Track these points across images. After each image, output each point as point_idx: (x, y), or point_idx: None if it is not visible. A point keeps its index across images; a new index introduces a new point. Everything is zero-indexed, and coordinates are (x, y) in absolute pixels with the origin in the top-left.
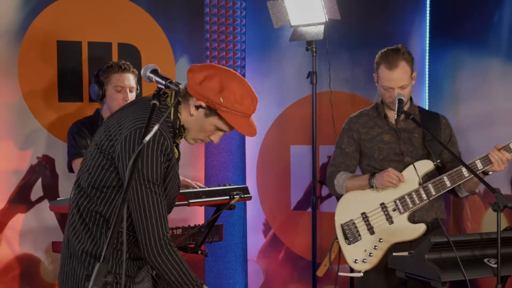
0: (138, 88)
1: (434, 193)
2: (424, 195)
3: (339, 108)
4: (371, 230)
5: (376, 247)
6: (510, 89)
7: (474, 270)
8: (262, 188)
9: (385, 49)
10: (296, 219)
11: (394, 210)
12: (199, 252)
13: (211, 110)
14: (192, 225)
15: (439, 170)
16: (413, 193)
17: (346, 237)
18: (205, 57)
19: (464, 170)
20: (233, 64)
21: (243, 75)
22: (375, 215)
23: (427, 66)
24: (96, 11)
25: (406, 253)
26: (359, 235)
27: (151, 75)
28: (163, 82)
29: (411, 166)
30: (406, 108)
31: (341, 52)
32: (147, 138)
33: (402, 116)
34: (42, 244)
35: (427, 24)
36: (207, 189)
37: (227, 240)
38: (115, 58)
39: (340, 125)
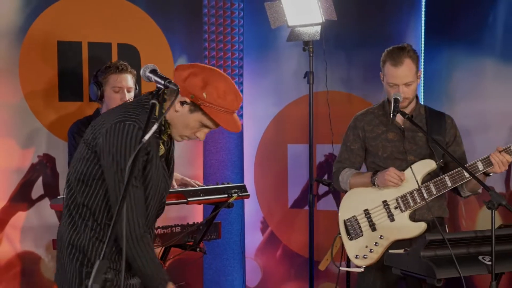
0: (137, 88)
1: (435, 192)
2: (425, 194)
3: (335, 108)
4: (372, 227)
5: (376, 244)
6: (504, 88)
7: (469, 267)
8: (260, 187)
9: (391, 47)
10: (293, 217)
11: (395, 208)
12: (198, 249)
13: (195, 106)
14: (190, 223)
15: (443, 169)
16: (415, 192)
17: (348, 233)
18: (204, 57)
19: (465, 170)
20: (231, 64)
21: (241, 75)
22: (377, 212)
23: (422, 66)
24: (96, 12)
25: (401, 251)
26: (361, 231)
27: (150, 75)
28: (162, 82)
29: (414, 165)
30: (411, 107)
31: (338, 52)
32: (146, 137)
33: (403, 117)
34: (42, 242)
35: (423, 24)
36: (206, 187)
37: (225, 238)
38: (114, 58)
39: (337, 124)
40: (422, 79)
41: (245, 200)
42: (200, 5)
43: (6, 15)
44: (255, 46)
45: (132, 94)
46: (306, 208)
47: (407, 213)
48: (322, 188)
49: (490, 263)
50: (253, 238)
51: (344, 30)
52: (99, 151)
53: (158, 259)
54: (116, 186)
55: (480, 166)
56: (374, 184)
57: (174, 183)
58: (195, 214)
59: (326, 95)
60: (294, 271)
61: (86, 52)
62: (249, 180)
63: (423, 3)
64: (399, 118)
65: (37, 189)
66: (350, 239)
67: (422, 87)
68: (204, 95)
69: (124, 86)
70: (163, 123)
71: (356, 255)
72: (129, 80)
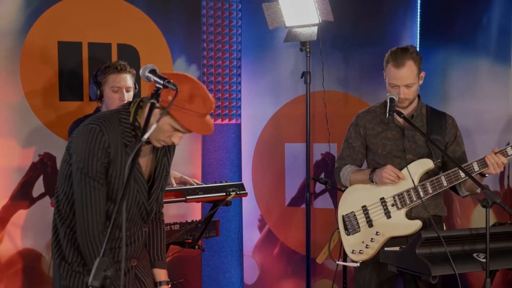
0: (137, 87)
1: (431, 191)
2: (421, 193)
3: (332, 107)
4: (369, 223)
5: (373, 240)
6: (498, 88)
7: (464, 265)
8: (257, 185)
9: (395, 48)
10: (290, 215)
11: (392, 205)
12: (196, 247)
13: (164, 110)
14: (189, 220)
15: (443, 168)
16: (411, 190)
17: (346, 228)
18: (202, 58)
19: (461, 171)
20: (229, 64)
21: (239, 75)
22: (375, 209)
23: None
24: (96, 13)
25: (397, 248)
26: (358, 227)
27: (150, 75)
28: (161, 82)
29: (412, 164)
30: (412, 106)
31: (334, 53)
32: (146, 136)
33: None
34: (43, 239)
35: (418, 25)
36: (204, 186)
37: (223, 236)
38: (114, 58)
39: (334, 124)
40: None
41: (243, 198)
42: (198, 7)
43: (7, 15)
44: (253, 46)
45: (131, 93)
46: (303, 206)
47: (403, 210)
48: (319, 187)
49: (484, 260)
50: (251, 236)
51: (340, 31)
52: (70, 152)
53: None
54: (76, 184)
55: (476, 167)
56: (372, 181)
57: (173, 181)
58: (194, 212)
59: (323, 95)
60: (291, 268)
61: (86, 52)
62: (247, 179)
63: (419, 5)
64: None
65: (38, 187)
66: (348, 234)
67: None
68: (169, 98)
69: (123, 86)
70: (139, 127)
71: (353, 250)
72: (128, 80)
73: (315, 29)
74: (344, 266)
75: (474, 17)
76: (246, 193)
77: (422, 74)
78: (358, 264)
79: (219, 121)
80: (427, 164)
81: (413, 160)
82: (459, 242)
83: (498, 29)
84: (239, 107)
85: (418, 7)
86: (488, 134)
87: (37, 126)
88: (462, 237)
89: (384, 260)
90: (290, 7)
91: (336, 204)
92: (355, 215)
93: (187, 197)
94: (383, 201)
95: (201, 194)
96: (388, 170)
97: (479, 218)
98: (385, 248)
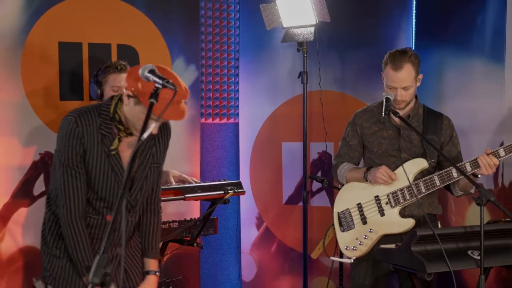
0: None
1: (424, 190)
2: (414, 192)
3: (329, 107)
4: (364, 220)
5: (366, 237)
6: (492, 88)
7: (459, 262)
8: (255, 183)
9: (394, 50)
10: (287, 213)
11: (386, 203)
12: (195, 244)
13: (137, 98)
14: (188, 218)
15: (438, 168)
16: (405, 189)
17: (341, 225)
18: (201, 58)
19: (453, 171)
20: (227, 64)
21: (237, 75)
22: (369, 207)
23: None
24: (96, 13)
25: (393, 245)
26: (353, 224)
27: (149, 75)
28: (160, 82)
29: (406, 163)
30: (409, 107)
31: (331, 53)
32: (145, 135)
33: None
34: None
35: (413, 26)
36: (203, 184)
37: (221, 233)
38: (114, 58)
39: (330, 123)
40: None
41: (241, 196)
42: (197, 8)
43: (8, 16)
44: (251, 47)
45: None
46: (300, 204)
47: (397, 209)
48: (316, 185)
49: (479, 257)
50: (249, 234)
51: (337, 32)
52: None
53: (89, 246)
54: (57, 172)
55: (469, 168)
56: (366, 180)
57: (172, 180)
58: (193, 210)
59: (319, 94)
60: (288, 265)
61: (86, 53)
62: (244, 177)
63: (414, 6)
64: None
65: (39, 185)
66: (342, 231)
67: None
68: (139, 85)
69: (123, 86)
70: (117, 120)
71: (347, 247)
72: None
73: (312, 29)
74: (341, 263)
75: (468, 18)
76: (244, 192)
77: (420, 76)
78: (352, 260)
79: (217, 120)
80: (421, 163)
81: (408, 159)
82: (454, 240)
83: (492, 30)
84: (237, 106)
85: (414, 9)
86: (482, 134)
87: (38, 125)
88: (457, 234)
89: (380, 257)
90: (287, 8)
91: (332, 202)
92: (350, 212)
93: (186, 195)
94: (377, 199)
95: (199, 193)
96: (382, 171)
97: (473, 216)
98: (381, 246)
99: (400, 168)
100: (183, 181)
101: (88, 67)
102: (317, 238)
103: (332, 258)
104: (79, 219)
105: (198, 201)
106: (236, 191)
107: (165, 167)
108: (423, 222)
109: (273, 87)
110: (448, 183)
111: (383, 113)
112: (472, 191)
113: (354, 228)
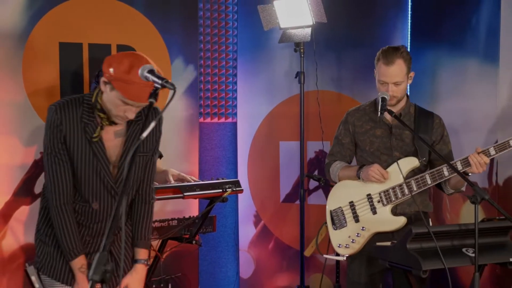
0: None
1: (415, 189)
2: (406, 190)
3: (325, 106)
4: (356, 218)
5: (358, 235)
6: (486, 88)
7: (453, 259)
8: (253, 182)
9: (386, 47)
10: (285, 211)
11: (378, 201)
12: (194, 242)
13: (110, 84)
14: (187, 216)
15: (429, 167)
16: (397, 187)
17: (333, 223)
18: (199, 58)
19: (445, 170)
20: (226, 64)
21: (235, 75)
22: (361, 205)
23: None
24: (96, 15)
25: (388, 243)
26: (345, 222)
27: (148, 75)
28: (160, 82)
29: (398, 161)
30: (400, 105)
31: (328, 53)
32: (144, 134)
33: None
34: None
35: (409, 27)
36: (201, 182)
37: (220, 231)
38: None
39: (327, 122)
40: None
41: (239, 194)
42: (196, 9)
43: (10, 17)
44: (249, 47)
45: None
46: (297, 202)
47: (388, 207)
48: (313, 183)
49: (473, 255)
50: (247, 231)
51: (333, 32)
52: None
53: (76, 231)
54: (43, 160)
55: (459, 166)
56: (359, 178)
57: (171, 178)
58: (191, 208)
59: (316, 94)
60: (285, 262)
61: (86, 53)
62: (242, 176)
63: (410, 7)
64: (387, 115)
65: (40, 184)
66: (335, 229)
67: (408, 86)
68: (111, 70)
69: None
70: (98, 108)
71: (339, 244)
72: None
73: (309, 30)
74: (337, 261)
75: (463, 19)
76: (242, 190)
77: (412, 74)
78: (345, 258)
79: (215, 120)
80: (412, 162)
81: (400, 158)
82: (449, 237)
83: (486, 30)
84: (235, 106)
85: (409, 9)
86: (476, 133)
87: (39, 125)
88: (452, 232)
89: (376, 255)
90: (285, 9)
91: (328, 197)
92: (342, 210)
93: (185, 194)
94: (369, 197)
95: (198, 191)
96: (374, 169)
97: (468, 214)
98: (377, 243)
99: (392, 166)
100: (182, 179)
101: (88, 67)
102: (314, 235)
103: (325, 255)
104: (66, 205)
105: (197, 199)
106: (234, 189)
107: (164, 166)
108: (414, 219)
109: (270, 87)
110: (439, 181)
111: (379, 113)
112: (463, 189)
113: (346, 226)
